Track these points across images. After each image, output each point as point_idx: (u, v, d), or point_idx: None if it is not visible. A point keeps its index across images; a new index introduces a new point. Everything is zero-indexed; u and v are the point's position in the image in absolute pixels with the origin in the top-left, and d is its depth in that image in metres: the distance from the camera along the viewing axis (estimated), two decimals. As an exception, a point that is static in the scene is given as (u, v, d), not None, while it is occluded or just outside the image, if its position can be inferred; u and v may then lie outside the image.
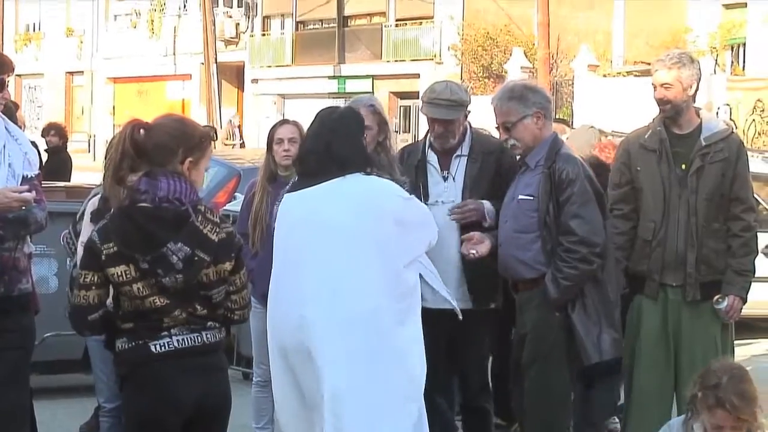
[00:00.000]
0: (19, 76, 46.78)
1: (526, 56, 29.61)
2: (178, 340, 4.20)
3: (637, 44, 31.31)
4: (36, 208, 4.80)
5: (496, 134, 6.10)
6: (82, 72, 45.29)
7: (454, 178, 5.89)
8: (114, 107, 43.10)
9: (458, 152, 5.91)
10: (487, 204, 5.75)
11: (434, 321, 5.28)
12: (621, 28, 32.54)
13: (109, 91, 44.34)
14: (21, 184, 4.77)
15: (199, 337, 4.24)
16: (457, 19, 32.83)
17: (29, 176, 4.86)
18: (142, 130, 4.24)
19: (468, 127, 5.98)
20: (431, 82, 6.16)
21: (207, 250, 4.19)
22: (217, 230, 4.23)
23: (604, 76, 28.77)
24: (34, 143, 12.21)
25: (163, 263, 4.14)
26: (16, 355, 4.83)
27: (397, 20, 34.83)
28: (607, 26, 33.00)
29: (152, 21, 42.20)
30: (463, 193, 5.84)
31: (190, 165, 4.25)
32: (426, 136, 6.03)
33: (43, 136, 13.78)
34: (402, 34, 34.52)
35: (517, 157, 5.69)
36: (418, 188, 5.83)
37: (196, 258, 4.16)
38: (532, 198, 5.43)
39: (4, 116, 4.94)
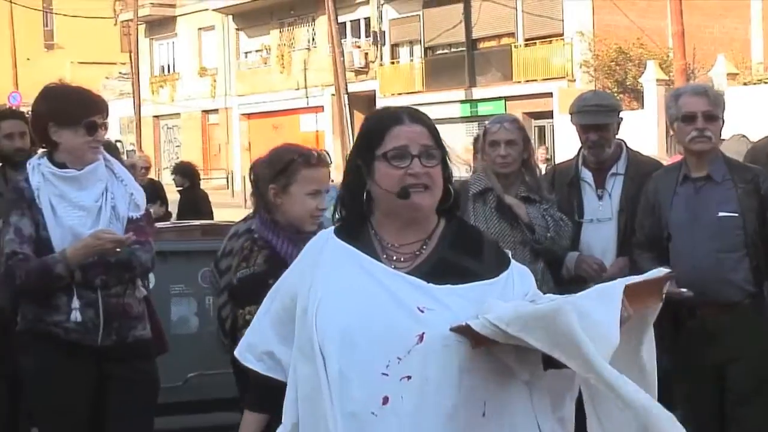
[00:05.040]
0: (156, 117, 47.91)
1: (661, 68, 28.97)
2: None
3: (777, 49, 30.44)
4: (139, 250, 4.67)
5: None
6: (217, 110, 46.02)
7: (610, 195, 5.61)
8: (250, 143, 43.65)
9: (614, 170, 5.64)
10: None
11: None
12: (759, 32, 31.64)
13: (243, 127, 44.95)
14: (126, 226, 4.66)
15: None
16: (588, 35, 32.35)
17: (135, 217, 4.73)
18: None
19: (623, 146, 5.72)
20: (564, 101, 5.95)
21: None
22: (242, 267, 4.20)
23: (745, 84, 27.96)
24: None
25: None
26: (136, 407, 4.70)
27: (526, 40, 34.51)
28: (743, 32, 32.13)
29: (282, 56, 42.67)
30: (619, 212, 5.56)
31: (274, 192, 4.18)
32: (578, 153, 5.77)
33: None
34: (532, 53, 34.18)
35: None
36: (572, 206, 5.57)
37: None
38: (736, 215, 5.02)
39: (110, 157, 4.84)
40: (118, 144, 27.21)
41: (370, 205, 2.97)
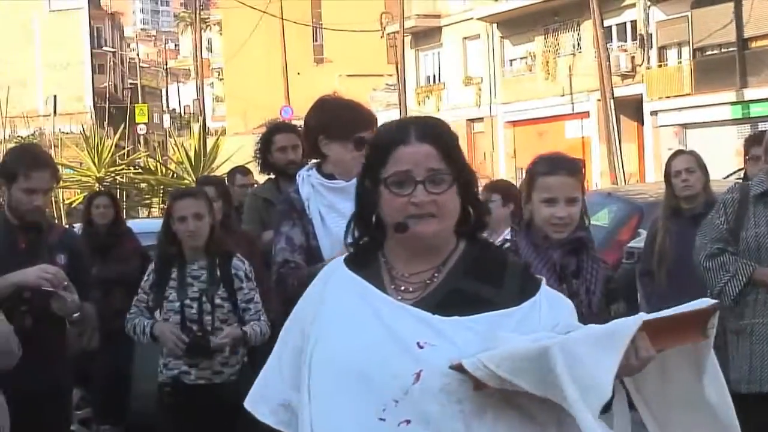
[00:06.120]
0: (422, 127, 48.66)
1: None
2: None
3: None
4: None
5: None
6: (482, 119, 46.29)
7: None
8: (515, 150, 43.73)
9: None
10: None
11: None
12: None
13: (508, 135, 45.05)
14: None
15: None
16: None
17: None
18: None
19: None
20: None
21: None
22: None
23: None
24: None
25: None
26: None
27: (802, 37, 33.15)
28: None
29: (547, 62, 42.52)
30: None
31: (524, 201, 4.37)
32: None
33: None
34: (808, 51, 32.77)
35: None
36: None
37: None
38: None
39: None
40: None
41: (383, 228, 2.62)
